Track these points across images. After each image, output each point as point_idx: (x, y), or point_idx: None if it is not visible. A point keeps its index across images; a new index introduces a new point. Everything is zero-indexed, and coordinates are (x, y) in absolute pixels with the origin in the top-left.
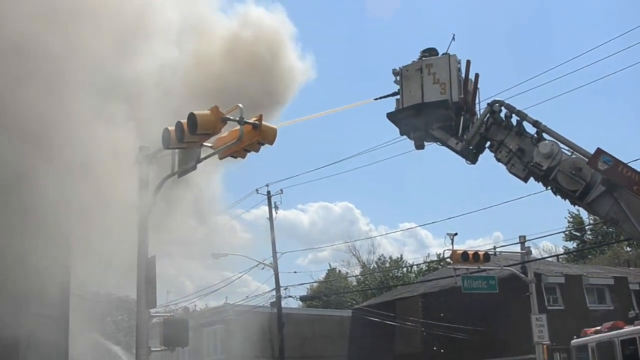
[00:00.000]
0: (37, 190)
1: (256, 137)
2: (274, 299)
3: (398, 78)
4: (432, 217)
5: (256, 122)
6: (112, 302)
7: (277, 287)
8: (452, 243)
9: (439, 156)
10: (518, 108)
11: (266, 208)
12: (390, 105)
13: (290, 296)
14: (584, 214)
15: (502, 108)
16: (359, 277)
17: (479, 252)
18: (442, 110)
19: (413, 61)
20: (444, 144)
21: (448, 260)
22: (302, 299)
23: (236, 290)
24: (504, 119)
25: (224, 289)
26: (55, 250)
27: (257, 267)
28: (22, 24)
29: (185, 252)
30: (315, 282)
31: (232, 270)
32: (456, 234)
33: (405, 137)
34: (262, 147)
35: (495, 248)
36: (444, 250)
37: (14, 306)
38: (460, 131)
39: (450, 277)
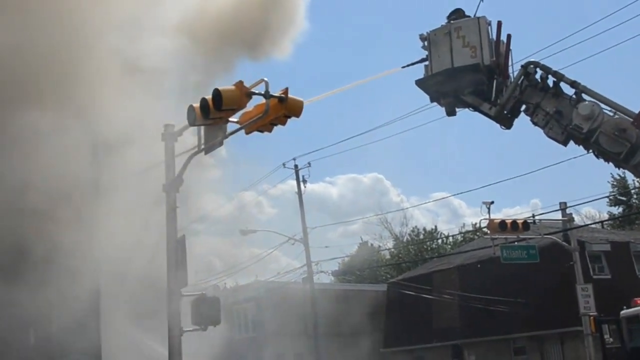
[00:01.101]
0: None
1: (282, 110)
2: (306, 275)
3: (426, 43)
4: (466, 185)
5: (282, 95)
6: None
7: (308, 263)
8: (489, 212)
9: (471, 122)
10: (554, 69)
11: (293, 182)
12: (419, 72)
13: (322, 271)
14: (629, 177)
15: (537, 69)
16: (392, 250)
17: (517, 221)
18: (473, 74)
19: (441, 25)
20: (477, 109)
21: (485, 230)
22: (334, 274)
23: (266, 267)
24: (539, 80)
25: (254, 266)
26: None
27: (287, 243)
28: None
29: (213, 230)
30: (347, 256)
31: (262, 247)
32: (492, 202)
33: (435, 104)
34: (289, 120)
35: (534, 216)
36: (480, 220)
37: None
38: (493, 95)
39: (488, 248)
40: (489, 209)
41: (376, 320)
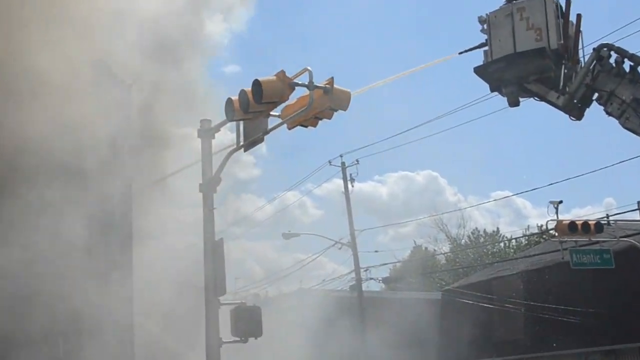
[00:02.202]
0: None
1: (328, 102)
2: (354, 282)
3: (485, 27)
4: (531, 183)
5: (327, 86)
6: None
7: (357, 269)
8: (557, 212)
9: (537, 113)
10: (631, 52)
11: (340, 181)
12: (478, 58)
13: (371, 278)
14: None
15: (611, 53)
16: (449, 254)
17: (589, 222)
18: (538, 59)
19: (501, 6)
20: (543, 98)
21: (552, 232)
22: (385, 280)
23: (310, 273)
24: (613, 65)
25: (297, 272)
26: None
27: (334, 248)
28: None
29: (253, 233)
30: (399, 261)
31: (306, 252)
32: (561, 201)
33: (496, 93)
34: (335, 114)
35: (608, 217)
36: (547, 221)
37: (79, 289)
38: (561, 83)
39: (556, 252)
40: (556, 209)
41: (430, 331)
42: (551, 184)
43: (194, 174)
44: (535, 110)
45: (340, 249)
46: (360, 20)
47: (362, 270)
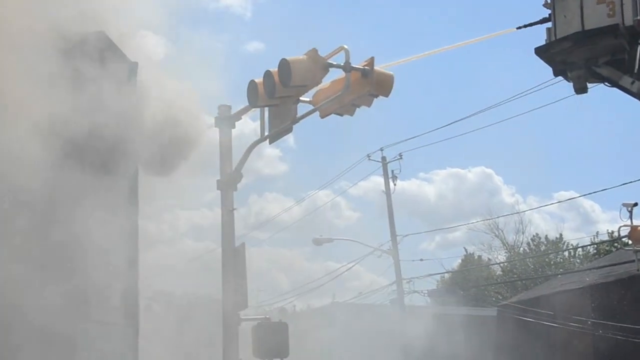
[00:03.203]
0: None
1: (367, 87)
2: (395, 295)
3: (549, 0)
4: (599, 183)
5: (366, 67)
6: (191, 304)
7: (399, 280)
8: (631, 216)
9: (609, 102)
10: None
11: (379, 179)
12: (539, 36)
13: (415, 291)
14: None
15: None
16: (505, 264)
17: None
18: (610, 39)
19: None
20: (615, 84)
21: (625, 239)
22: (430, 294)
23: (345, 285)
24: None
25: (330, 284)
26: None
27: (372, 255)
28: None
29: (279, 238)
30: (448, 272)
31: (340, 260)
32: (636, 204)
33: (560, 78)
34: (375, 101)
35: None
36: (620, 227)
37: (69, 312)
38: (637, 66)
39: (630, 262)
40: (630, 212)
41: (483, 352)
42: (624, 183)
43: (211, 169)
44: (607, 98)
45: (379, 257)
46: None
47: (404, 281)
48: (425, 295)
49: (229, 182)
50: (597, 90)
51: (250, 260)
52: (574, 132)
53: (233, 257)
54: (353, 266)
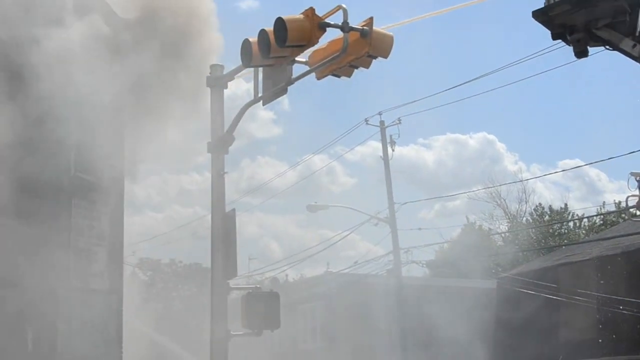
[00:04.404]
0: None
1: (366, 47)
2: (392, 266)
3: None
4: (606, 151)
5: (365, 27)
6: (177, 272)
7: (396, 250)
8: (639, 186)
9: (614, 66)
10: None
11: (376, 144)
12: None
13: (413, 261)
14: None
15: None
16: (507, 234)
17: None
18: (610, 0)
19: None
20: (616, 47)
21: (633, 210)
22: (429, 265)
23: (340, 254)
24: None
25: (324, 253)
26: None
27: (368, 223)
28: None
29: (271, 205)
30: (447, 241)
31: (334, 229)
32: None
33: (560, 41)
34: (374, 62)
35: None
36: (627, 197)
37: (49, 278)
38: (638, 28)
39: (638, 234)
40: (639, 182)
41: (482, 327)
42: (633, 152)
43: (201, 131)
44: (614, 63)
45: (376, 225)
46: None
47: (402, 251)
48: (424, 266)
49: (220, 145)
50: (604, 55)
51: (241, 227)
52: (580, 98)
53: (223, 223)
54: (348, 234)
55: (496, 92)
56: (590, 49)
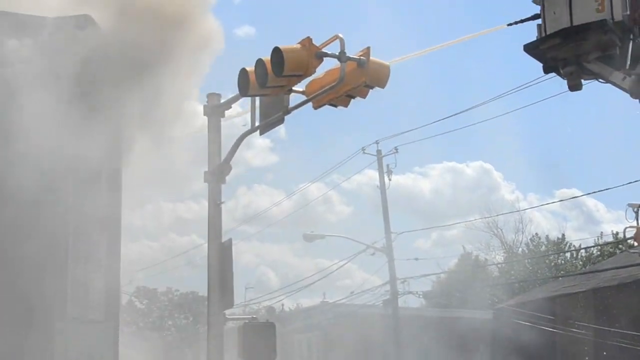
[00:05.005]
0: None
1: (362, 77)
2: (388, 296)
3: None
4: (604, 182)
5: (362, 57)
6: (174, 301)
7: (392, 280)
8: (637, 217)
9: (612, 97)
10: None
11: (373, 173)
12: (531, 32)
13: (410, 292)
14: None
15: None
16: (503, 265)
17: None
18: (600, 34)
19: None
20: (607, 80)
21: (631, 241)
22: (426, 295)
23: (336, 284)
24: None
25: (320, 282)
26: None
27: (365, 253)
28: None
29: (268, 234)
30: (444, 272)
31: (331, 258)
32: None
33: (553, 74)
34: (370, 92)
35: None
36: (625, 229)
37: (46, 309)
38: (628, 62)
39: (636, 266)
40: (636, 213)
41: (479, 357)
42: (630, 182)
43: (198, 159)
44: (610, 94)
45: (372, 254)
46: None
47: (398, 281)
48: (420, 296)
49: (217, 174)
50: (603, 86)
51: (237, 256)
52: (578, 128)
53: (219, 253)
54: (344, 264)
55: (493, 121)
56: (584, 81)
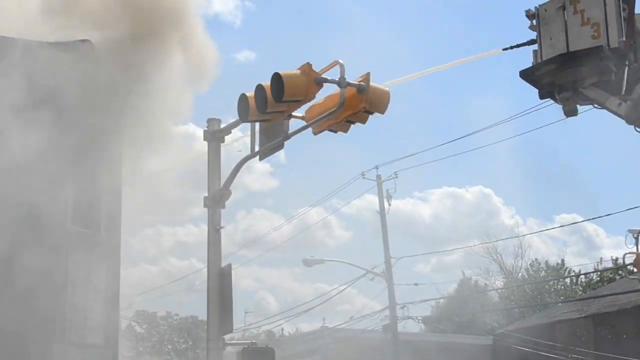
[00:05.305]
0: None
1: (362, 103)
2: (388, 321)
3: (534, 22)
4: (604, 207)
5: (362, 83)
6: (173, 326)
7: (392, 305)
8: (637, 243)
9: (611, 122)
10: None
11: (373, 198)
12: (526, 57)
13: (409, 317)
14: None
15: None
16: (503, 290)
17: None
18: (595, 60)
19: None
20: (603, 106)
21: (630, 267)
22: (425, 320)
23: (335, 308)
24: None
25: (320, 307)
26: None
27: (364, 278)
28: None
29: (267, 258)
30: (443, 297)
31: (330, 282)
32: None
33: (549, 100)
34: (370, 117)
35: None
36: (625, 255)
37: (45, 333)
38: (623, 87)
39: (635, 292)
40: (636, 239)
41: None
42: (630, 208)
43: (199, 182)
44: (610, 118)
45: (372, 279)
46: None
47: (398, 306)
48: (420, 322)
49: (216, 199)
50: (603, 110)
51: (237, 281)
52: (578, 153)
53: (219, 278)
54: (344, 289)
55: (492, 146)
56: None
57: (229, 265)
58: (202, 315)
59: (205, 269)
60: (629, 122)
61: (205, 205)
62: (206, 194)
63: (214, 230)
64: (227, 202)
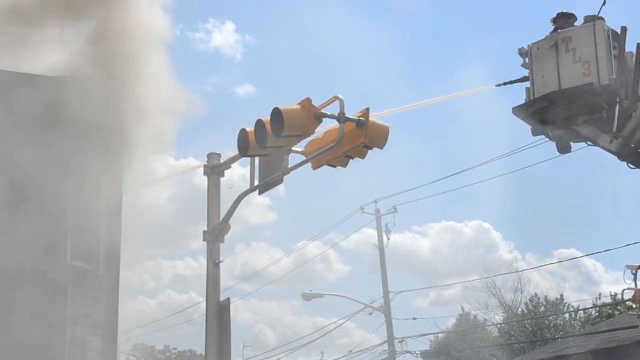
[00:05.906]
0: None
1: (361, 138)
2: (386, 355)
3: (527, 60)
4: (603, 242)
5: (361, 118)
6: (171, 359)
7: (390, 339)
8: (635, 279)
9: (602, 157)
10: None
11: (371, 232)
12: (520, 93)
13: (408, 351)
14: None
15: None
16: (502, 325)
17: None
18: (587, 97)
19: (546, 36)
20: (595, 143)
21: (629, 303)
22: (424, 355)
23: (334, 342)
24: None
25: (319, 341)
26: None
27: (363, 312)
28: None
29: (266, 292)
30: (442, 332)
31: (328, 316)
32: None
33: (542, 137)
34: (369, 152)
35: None
36: (623, 290)
37: None
38: (614, 124)
39: (634, 328)
40: (635, 274)
41: None
42: (629, 244)
43: (196, 215)
44: (606, 153)
45: (370, 314)
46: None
47: (396, 340)
48: (418, 356)
49: (215, 234)
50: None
51: (235, 314)
52: (576, 188)
53: (217, 313)
54: (343, 323)
55: (491, 181)
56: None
57: (228, 299)
58: (200, 349)
59: (204, 302)
60: (620, 158)
61: (204, 239)
62: (205, 228)
63: (213, 265)
64: (226, 236)
